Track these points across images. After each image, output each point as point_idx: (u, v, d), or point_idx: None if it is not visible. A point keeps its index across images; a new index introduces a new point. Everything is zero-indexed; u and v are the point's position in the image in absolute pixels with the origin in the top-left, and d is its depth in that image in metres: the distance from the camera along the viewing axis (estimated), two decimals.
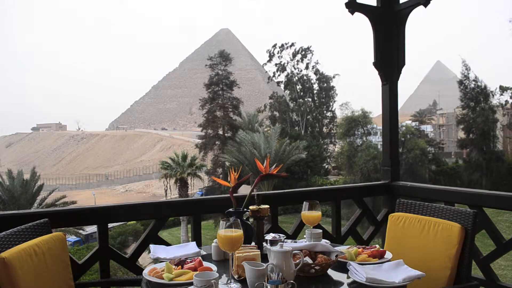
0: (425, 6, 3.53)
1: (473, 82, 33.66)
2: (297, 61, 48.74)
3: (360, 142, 35.18)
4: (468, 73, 33.73)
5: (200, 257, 2.22)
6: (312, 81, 48.53)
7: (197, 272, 2.02)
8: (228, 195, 2.49)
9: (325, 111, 48.58)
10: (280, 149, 28.64)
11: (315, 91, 48.47)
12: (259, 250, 2.13)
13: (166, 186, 28.63)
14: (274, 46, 49.08)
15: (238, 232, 1.95)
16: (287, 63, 48.74)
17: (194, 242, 2.71)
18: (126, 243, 27.38)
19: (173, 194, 30.37)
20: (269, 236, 2.40)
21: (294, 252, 2.07)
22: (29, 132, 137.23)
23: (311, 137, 42.17)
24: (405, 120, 46.00)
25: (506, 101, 34.58)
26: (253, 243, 2.37)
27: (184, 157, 28.66)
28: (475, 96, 33.41)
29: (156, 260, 2.39)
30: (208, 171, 36.14)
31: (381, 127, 4.08)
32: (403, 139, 32.34)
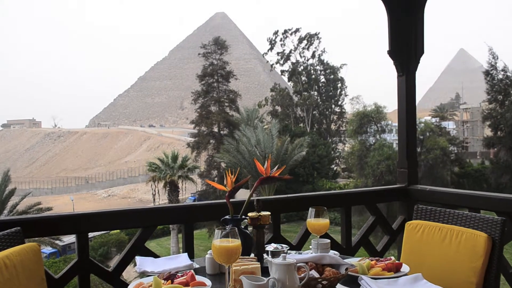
0: None
1: (502, 73, 33.60)
2: (303, 49, 48.81)
3: (373, 141, 35.19)
4: (496, 62, 33.66)
5: (192, 271, 2.21)
6: (318, 72, 48.55)
7: (189, 287, 2.01)
8: (224, 200, 2.49)
9: (333, 106, 48.64)
10: (281, 148, 28.64)
11: (321, 83, 48.49)
12: (259, 263, 2.13)
13: (154, 191, 28.63)
14: (277, 32, 49.16)
15: (236, 242, 1.94)
16: (291, 51, 48.80)
17: (186, 254, 2.71)
18: (108, 255, 27.39)
19: (162, 200, 30.36)
20: (271, 247, 2.40)
21: (298, 265, 2.07)
22: None
23: (317, 135, 42.19)
24: (424, 116, 46.02)
25: None
26: (252, 255, 2.37)
27: (175, 157, 28.67)
28: (503, 88, 33.34)
29: (143, 274, 2.38)
30: (201, 173, 36.14)
31: (396, 124, 4.08)
32: (421, 137, 32.36)
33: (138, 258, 2.60)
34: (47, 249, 24.81)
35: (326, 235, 2.84)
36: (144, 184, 41.11)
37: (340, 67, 48.53)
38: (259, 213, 2.39)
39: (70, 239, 25.73)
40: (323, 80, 48.54)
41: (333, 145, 45.76)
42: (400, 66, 3.87)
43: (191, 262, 2.55)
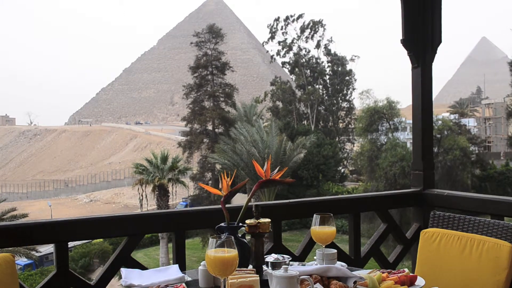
0: None
1: None
2: (306, 37, 48.84)
3: (385, 140, 35.22)
4: None
5: (184, 284, 2.22)
6: (324, 64, 48.59)
7: None
8: (219, 206, 2.49)
9: (340, 101, 48.67)
10: (279, 148, 28.59)
11: (327, 76, 48.51)
12: (257, 275, 2.13)
13: (141, 195, 28.62)
14: (278, 19, 49.17)
15: (232, 253, 1.95)
16: (294, 40, 48.81)
17: (177, 265, 2.71)
18: (90, 266, 27.37)
19: (150, 205, 30.38)
20: (271, 258, 2.40)
21: (301, 277, 2.07)
22: None
23: (323, 133, 42.21)
24: (441, 112, 46.14)
25: None
26: (250, 266, 2.37)
27: (164, 158, 28.66)
28: None
29: None
30: (194, 176, 36.17)
31: (411, 121, 4.08)
32: (439, 136, 32.38)
33: (123, 270, 2.59)
34: (22, 260, 24.81)
35: (332, 245, 2.84)
36: (130, 188, 41.15)
37: (352, 59, 48.57)
38: (258, 220, 2.39)
39: (47, 249, 25.70)
40: (329, 72, 48.55)
41: (340, 145, 45.79)
42: (415, 57, 3.86)
43: (183, 274, 2.55)
